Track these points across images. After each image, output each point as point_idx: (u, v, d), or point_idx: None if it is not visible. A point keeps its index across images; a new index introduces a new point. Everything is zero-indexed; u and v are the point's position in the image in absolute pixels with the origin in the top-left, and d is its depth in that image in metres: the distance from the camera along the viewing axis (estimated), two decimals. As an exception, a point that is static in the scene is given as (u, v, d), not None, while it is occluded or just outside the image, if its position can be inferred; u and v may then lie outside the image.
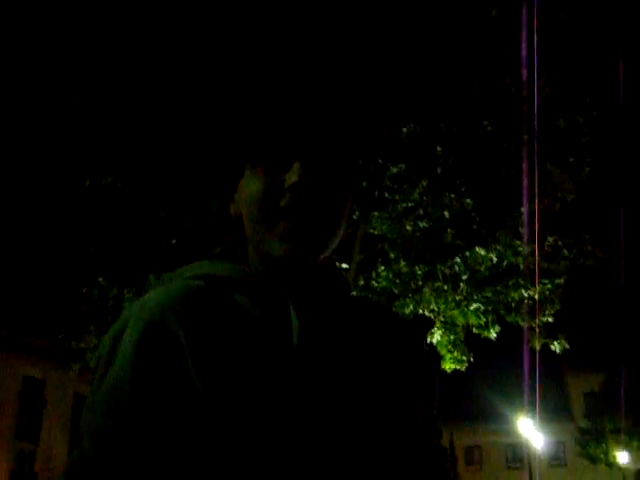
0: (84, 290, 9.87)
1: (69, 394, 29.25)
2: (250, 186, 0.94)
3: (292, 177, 0.90)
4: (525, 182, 9.49)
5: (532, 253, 9.79)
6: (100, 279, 9.73)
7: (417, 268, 9.18)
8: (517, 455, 42.63)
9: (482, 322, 9.85)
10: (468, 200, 9.17)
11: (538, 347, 10.39)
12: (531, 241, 9.67)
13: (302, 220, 0.91)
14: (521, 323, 10.22)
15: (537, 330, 10.20)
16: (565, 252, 10.07)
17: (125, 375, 0.88)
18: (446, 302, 9.49)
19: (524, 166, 9.48)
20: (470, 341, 10.20)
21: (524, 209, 9.48)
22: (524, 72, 9.31)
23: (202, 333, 0.90)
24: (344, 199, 0.96)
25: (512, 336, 10.85)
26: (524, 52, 9.44)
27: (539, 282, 9.73)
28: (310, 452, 0.88)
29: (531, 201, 9.54)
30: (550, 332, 10.30)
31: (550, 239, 10.03)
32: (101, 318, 9.87)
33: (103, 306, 9.86)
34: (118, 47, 8.37)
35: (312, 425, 0.89)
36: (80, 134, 8.64)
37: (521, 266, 9.83)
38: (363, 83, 8.27)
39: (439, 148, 9.08)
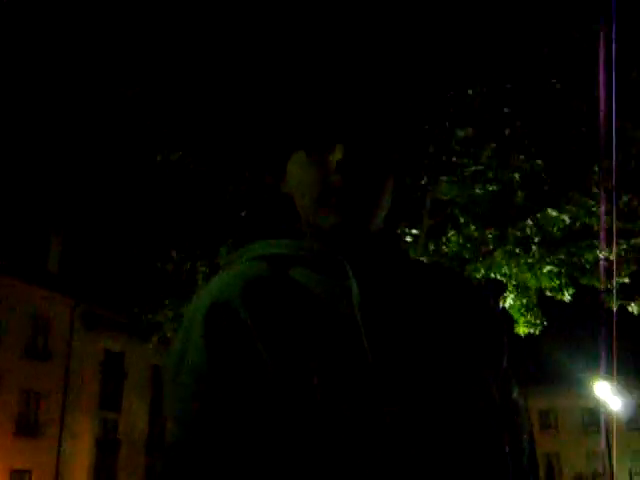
0: (159, 265, 10.13)
1: (147, 366, 30.22)
2: (298, 168, 1.00)
3: (337, 156, 0.96)
4: (597, 140, 9.19)
5: (606, 212, 9.51)
6: (173, 254, 9.97)
7: (487, 232, 9.04)
8: (594, 419, 41.93)
9: (555, 285, 9.67)
10: (538, 161, 8.95)
11: (615, 308, 10.14)
12: (605, 200, 9.38)
13: (349, 194, 0.96)
14: (596, 285, 9.98)
15: (614, 292, 9.95)
16: (641, 211, 9.74)
17: (199, 357, 0.92)
18: (518, 265, 9.34)
19: (596, 123, 9.16)
20: (545, 304, 10.03)
21: (597, 167, 9.19)
22: (596, 26, 8.93)
23: (264, 311, 0.94)
24: (387, 172, 1.01)
25: (589, 298, 10.61)
26: (593, 4, 9.07)
27: (615, 242, 9.46)
28: (380, 418, 0.89)
29: (604, 159, 9.24)
30: (627, 294, 10.04)
31: (625, 198, 9.70)
32: (176, 291, 10.13)
33: (177, 280, 10.11)
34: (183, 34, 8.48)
35: (378, 389, 0.90)
36: (149, 111, 8.82)
37: (595, 226, 9.57)
38: (427, 46, 8.14)
39: (506, 109, 8.87)
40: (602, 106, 8.95)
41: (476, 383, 0.98)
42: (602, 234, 9.46)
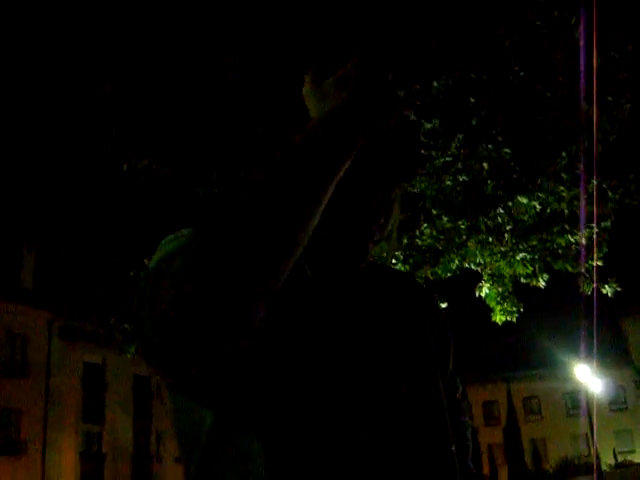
0: (132, 274, 10.04)
1: (129, 376, 30.02)
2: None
3: None
4: (563, 125, 9.26)
5: (576, 197, 9.60)
6: (146, 261, 9.88)
7: (460, 223, 9.08)
8: (577, 403, 42.44)
9: (529, 271, 9.74)
10: (506, 149, 9.01)
11: (588, 292, 10.23)
12: (574, 185, 9.46)
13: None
14: (569, 269, 10.07)
15: (586, 275, 10.04)
16: (610, 194, 9.83)
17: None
18: (492, 254, 9.40)
19: (561, 108, 9.23)
20: (523, 291, 10.10)
21: (564, 153, 9.27)
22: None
23: None
24: None
25: (565, 283, 10.71)
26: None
27: (585, 226, 9.55)
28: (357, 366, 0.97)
29: (571, 144, 9.31)
30: (601, 276, 10.14)
31: (594, 181, 9.79)
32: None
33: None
34: (148, 35, 8.40)
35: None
36: (113, 120, 8.73)
37: (565, 212, 9.65)
38: (390, 40, 8.15)
39: (472, 99, 8.90)
40: (564, 92, 9.03)
41: (425, 385, 1.02)
42: (572, 219, 9.54)
